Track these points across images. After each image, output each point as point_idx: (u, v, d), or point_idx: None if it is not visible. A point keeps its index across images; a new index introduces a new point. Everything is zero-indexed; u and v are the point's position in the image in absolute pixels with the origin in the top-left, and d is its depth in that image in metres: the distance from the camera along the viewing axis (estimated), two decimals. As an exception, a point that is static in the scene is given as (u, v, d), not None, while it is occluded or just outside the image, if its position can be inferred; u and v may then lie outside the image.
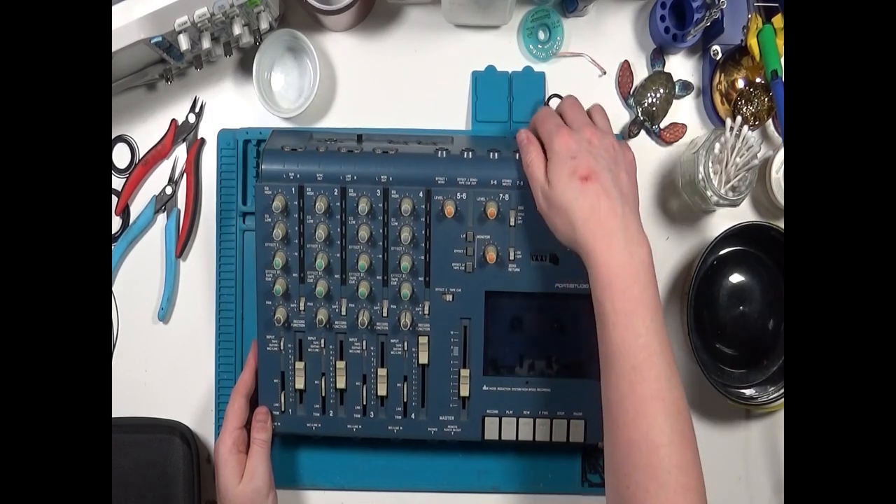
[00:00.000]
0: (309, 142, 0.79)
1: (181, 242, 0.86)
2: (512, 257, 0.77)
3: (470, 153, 0.78)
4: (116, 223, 0.86)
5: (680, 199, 0.87)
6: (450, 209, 0.76)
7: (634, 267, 0.66)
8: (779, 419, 0.87)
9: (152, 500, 0.81)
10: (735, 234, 0.83)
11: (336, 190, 0.76)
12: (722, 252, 0.86)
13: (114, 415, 0.83)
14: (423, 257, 0.77)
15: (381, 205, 0.76)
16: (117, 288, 0.86)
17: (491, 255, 0.76)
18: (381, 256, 0.77)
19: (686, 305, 0.82)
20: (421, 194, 0.76)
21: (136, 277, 0.86)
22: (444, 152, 0.78)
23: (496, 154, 0.78)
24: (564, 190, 0.68)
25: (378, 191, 0.76)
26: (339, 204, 0.76)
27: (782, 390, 0.84)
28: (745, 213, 0.87)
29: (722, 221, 0.83)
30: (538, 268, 0.77)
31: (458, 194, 0.76)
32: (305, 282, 0.77)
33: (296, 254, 0.77)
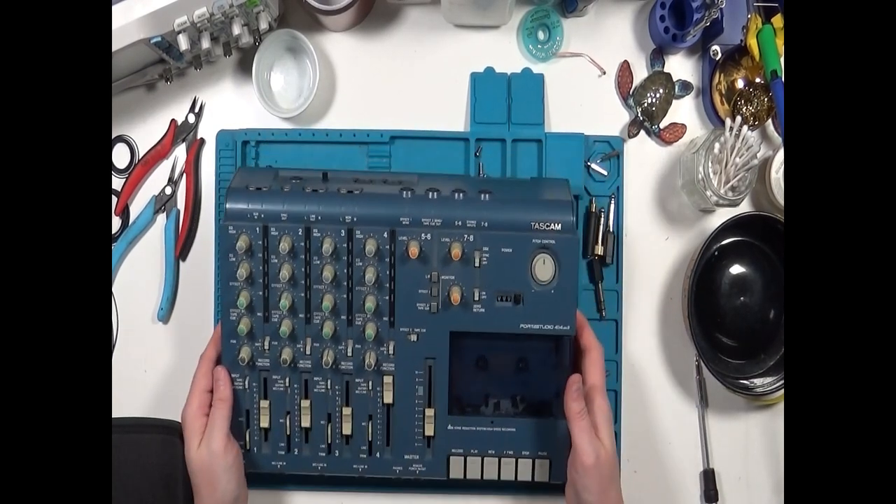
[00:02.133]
0: (274, 181, 0.78)
1: (181, 242, 0.86)
2: (477, 298, 0.77)
3: (435, 193, 0.77)
4: (116, 223, 0.86)
5: (679, 199, 0.87)
6: (414, 250, 0.75)
7: None
8: (778, 412, 0.88)
9: (152, 500, 0.80)
10: (739, 224, 0.83)
11: (300, 230, 0.76)
12: (724, 242, 0.86)
13: (114, 415, 0.83)
14: (387, 297, 0.77)
15: (345, 245, 0.76)
16: (117, 288, 0.86)
17: (455, 296, 0.76)
18: (345, 296, 0.77)
19: (687, 292, 0.82)
20: (385, 234, 0.76)
21: (135, 278, 0.86)
22: (409, 192, 0.77)
23: (461, 195, 0.77)
24: (613, 483, 0.74)
25: (342, 231, 0.76)
26: (303, 244, 0.76)
27: (781, 381, 0.84)
28: (744, 213, 0.87)
29: (722, 221, 0.83)
30: (503, 308, 0.77)
31: (423, 235, 0.76)
32: (270, 321, 0.77)
33: (260, 293, 0.77)
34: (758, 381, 0.85)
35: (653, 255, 0.87)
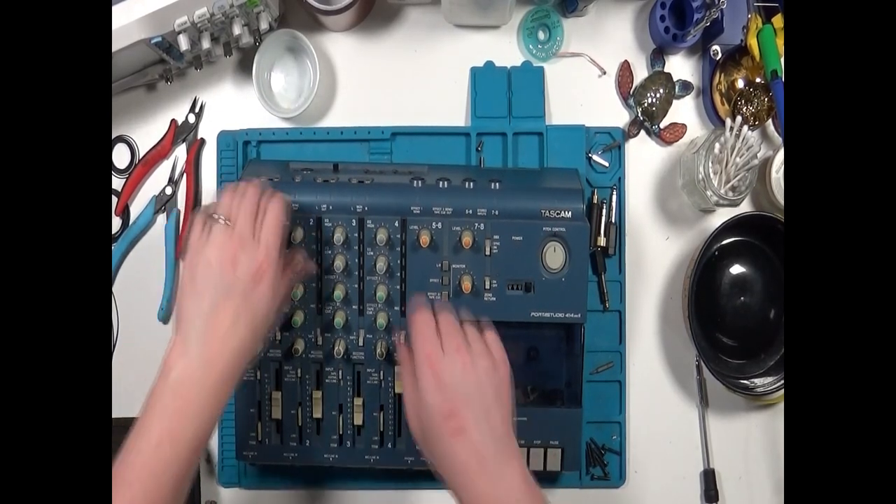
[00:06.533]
0: (285, 171, 0.79)
1: (181, 243, 0.86)
2: (487, 286, 0.77)
3: (445, 182, 0.78)
4: (116, 223, 0.86)
5: (680, 199, 0.87)
6: (425, 239, 0.76)
7: (502, 498, 0.63)
8: (778, 411, 0.87)
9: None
10: (738, 225, 0.83)
11: (311, 220, 0.76)
12: (724, 242, 0.86)
13: (114, 415, 0.83)
14: (398, 287, 0.77)
15: (356, 234, 0.76)
16: (117, 288, 0.86)
17: (466, 285, 0.76)
18: (356, 286, 0.77)
19: (687, 292, 0.82)
20: (396, 224, 0.76)
21: (136, 278, 0.86)
22: (420, 182, 0.78)
23: (471, 184, 0.78)
24: (436, 441, 0.65)
25: (353, 220, 0.76)
26: (314, 234, 0.76)
27: (781, 381, 0.84)
28: (745, 213, 0.87)
29: (722, 221, 0.83)
30: (514, 297, 0.77)
31: (434, 224, 0.76)
32: (281, 311, 0.77)
33: None
34: (758, 381, 0.85)
35: (653, 255, 0.87)
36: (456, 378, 0.66)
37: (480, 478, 0.63)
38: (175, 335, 0.66)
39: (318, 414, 0.78)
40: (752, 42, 0.82)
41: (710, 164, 0.81)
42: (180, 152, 0.87)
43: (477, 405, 0.65)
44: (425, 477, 0.81)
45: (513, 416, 0.67)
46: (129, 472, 0.60)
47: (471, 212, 0.77)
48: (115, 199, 0.86)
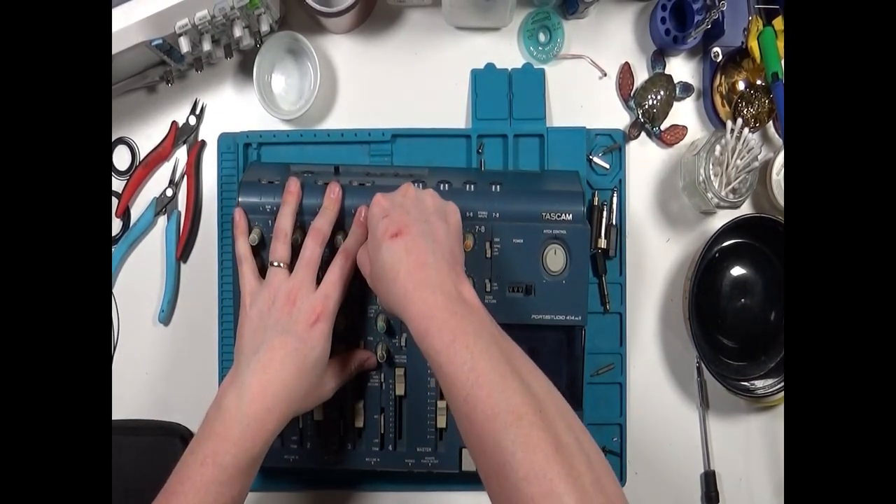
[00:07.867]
0: (286, 174, 0.78)
1: (182, 244, 0.86)
2: (488, 289, 0.77)
3: (446, 185, 0.78)
4: (117, 225, 0.86)
5: (680, 201, 0.87)
6: None
7: (450, 302, 0.61)
8: (779, 413, 0.87)
9: (152, 501, 0.80)
10: (739, 226, 0.83)
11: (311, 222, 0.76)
12: (725, 244, 0.86)
13: (114, 416, 0.83)
14: None
15: None
16: (118, 290, 0.86)
17: None
18: (356, 289, 0.76)
19: (687, 293, 0.82)
20: None
21: (136, 280, 0.86)
22: (420, 184, 0.77)
23: (472, 186, 0.78)
24: (377, 252, 0.65)
25: None
26: None
27: (782, 383, 0.84)
28: (745, 215, 0.87)
29: (722, 223, 0.83)
30: (514, 299, 0.77)
31: None
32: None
33: None
34: (758, 383, 0.85)
35: (654, 257, 0.87)
36: (397, 202, 0.68)
37: (425, 285, 0.61)
38: (233, 366, 0.70)
39: (318, 416, 0.78)
40: (753, 44, 0.82)
41: (711, 166, 0.81)
42: (181, 154, 0.87)
43: (423, 220, 0.66)
44: (426, 479, 0.82)
45: (461, 266, 0.67)
46: (177, 484, 0.65)
47: (471, 214, 0.76)
48: (115, 201, 0.86)
